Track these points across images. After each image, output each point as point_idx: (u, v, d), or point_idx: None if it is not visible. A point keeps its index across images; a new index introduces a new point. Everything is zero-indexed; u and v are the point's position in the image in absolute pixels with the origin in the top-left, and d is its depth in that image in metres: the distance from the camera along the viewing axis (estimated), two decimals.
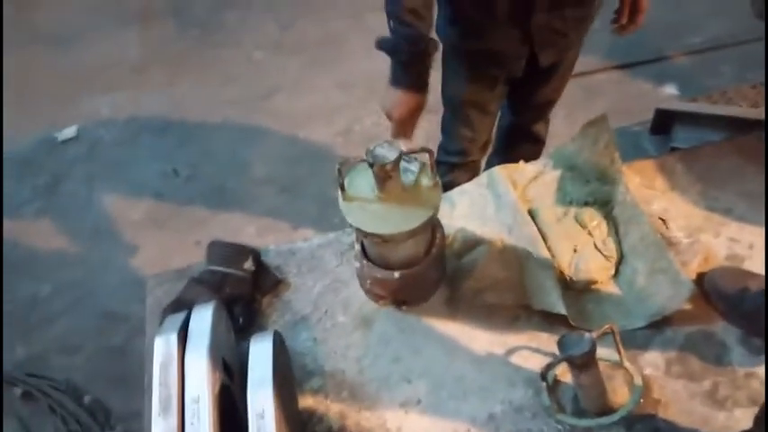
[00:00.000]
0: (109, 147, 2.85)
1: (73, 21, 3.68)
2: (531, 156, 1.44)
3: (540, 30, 1.28)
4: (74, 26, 3.62)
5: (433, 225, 1.10)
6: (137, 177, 2.67)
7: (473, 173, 1.69)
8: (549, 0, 1.23)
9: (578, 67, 2.70)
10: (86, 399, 1.90)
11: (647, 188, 1.26)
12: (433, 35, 1.20)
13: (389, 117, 1.24)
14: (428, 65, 1.19)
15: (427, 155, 1.00)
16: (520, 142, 1.76)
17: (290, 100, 2.88)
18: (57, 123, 2.98)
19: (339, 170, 0.99)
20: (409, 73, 1.18)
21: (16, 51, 3.50)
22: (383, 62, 1.23)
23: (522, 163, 1.30)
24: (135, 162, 2.73)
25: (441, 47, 1.26)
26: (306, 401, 1.06)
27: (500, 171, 1.27)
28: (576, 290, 1.12)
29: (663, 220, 1.20)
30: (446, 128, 1.66)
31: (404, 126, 1.24)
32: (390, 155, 0.93)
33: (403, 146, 1.14)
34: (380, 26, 1.20)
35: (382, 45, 1.18)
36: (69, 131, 2.94)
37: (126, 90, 3.13)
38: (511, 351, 1.07)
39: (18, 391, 1.95)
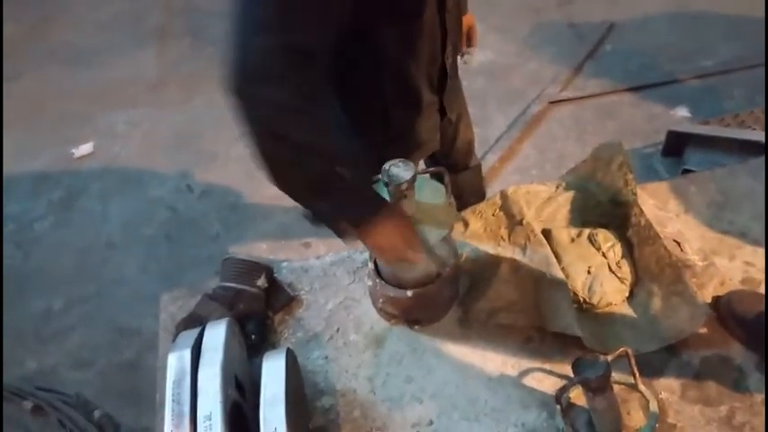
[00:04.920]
0: (124, 163, 2.89)
1: (90, 40, 3.77)
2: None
3: (448, 94, 1.27)
4: (91, 45, 3.71)
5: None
6: (151, 193, 2.70)
7: None
8: (452, 59, 1.20)
9: (591, 89, 2.76)
10: (96, 413, 1.90)
11: (660, 210, 1.26)
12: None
13: (394, 256, 0.96)
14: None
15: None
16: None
17: None
18: (73, 140, 3.04)
19: None
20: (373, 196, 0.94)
21: (34, 70, 3.59)
22: None
23: (535, 184, 1.31)
24: (150, 178, 2.77)
25: None
26: (317, 420, 1.06)
27: (513, 192, 1.28)
28: (590, 312, 1.12)
29: (677, 242, 1.19)
30: None
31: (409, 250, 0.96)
32: (406, 174, 0.94)
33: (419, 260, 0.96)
34: None
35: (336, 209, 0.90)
36: (86, 148, 2.99)
37: (142, 107, 3.19)
38: (524, 373, 1.06)
39: (28, 404, 1.95)
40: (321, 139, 0.83)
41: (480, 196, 1.65)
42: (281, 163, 0.84)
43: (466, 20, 1.48)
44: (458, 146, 1.53)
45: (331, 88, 1.17)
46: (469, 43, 1.54)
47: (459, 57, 1.51)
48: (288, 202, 0.94)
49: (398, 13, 0.99)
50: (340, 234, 0.93)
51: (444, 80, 1.21)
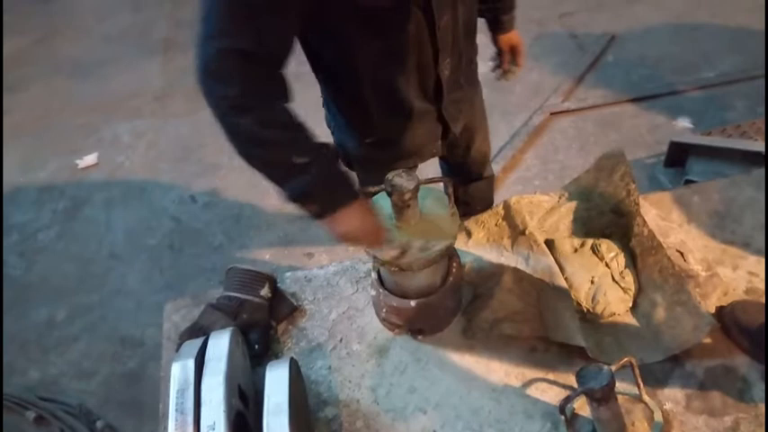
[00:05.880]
0: (128, 173, 2.91)
1: (95, 52, 3.80)
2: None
3: (450, 105, 1.27)
4: (96, 57, 3.74)
5: (450, 254, 1.11)
6: (155, 203, 2.71)
7: None
8: (452, 71, 1.20)
9: (593, 100, 2.78)
10: (99, 424, 1.89)
11: (663, 220, 1.26)
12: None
13: (355, 240, 1.01)
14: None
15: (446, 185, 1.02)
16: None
17: None
18: (78, 151, 3.06)
19: None
20: (341, 182, 0.97)
21: (39, 80, 3.61)
22: None
23: (538, 194, 1.31)
24: (154, 188, 2.78)
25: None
26: (320, 431, 1.05)
27: (516, 202, 1.28)
28: (593, 322, 1.12)
29: (680, 252, 1.19)
30: None
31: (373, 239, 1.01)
32: (409, 184, 0.95)
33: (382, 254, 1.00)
34: None
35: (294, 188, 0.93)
36: (90, 158, 3.01)
37: (147, 118, 3.21)
38: (528, 383, 1.06)
39: (31, 414, 1.95)
40: (268, 133, 0.91)
41: (489, 206, 1.65)
42: (242, 148, 0.93)
43: (509, 39, 1.47)
44: (472, 156, 1.53)
45: (330, 92, 1.20)
46: (515, 62, 1.50)
47: (500, 74, 1.53)
48: (291, 211, 0.96)
49: (376, 27, 1.02)
50: (311, 216, 0.98)
51: (441, 91, 1.22)
